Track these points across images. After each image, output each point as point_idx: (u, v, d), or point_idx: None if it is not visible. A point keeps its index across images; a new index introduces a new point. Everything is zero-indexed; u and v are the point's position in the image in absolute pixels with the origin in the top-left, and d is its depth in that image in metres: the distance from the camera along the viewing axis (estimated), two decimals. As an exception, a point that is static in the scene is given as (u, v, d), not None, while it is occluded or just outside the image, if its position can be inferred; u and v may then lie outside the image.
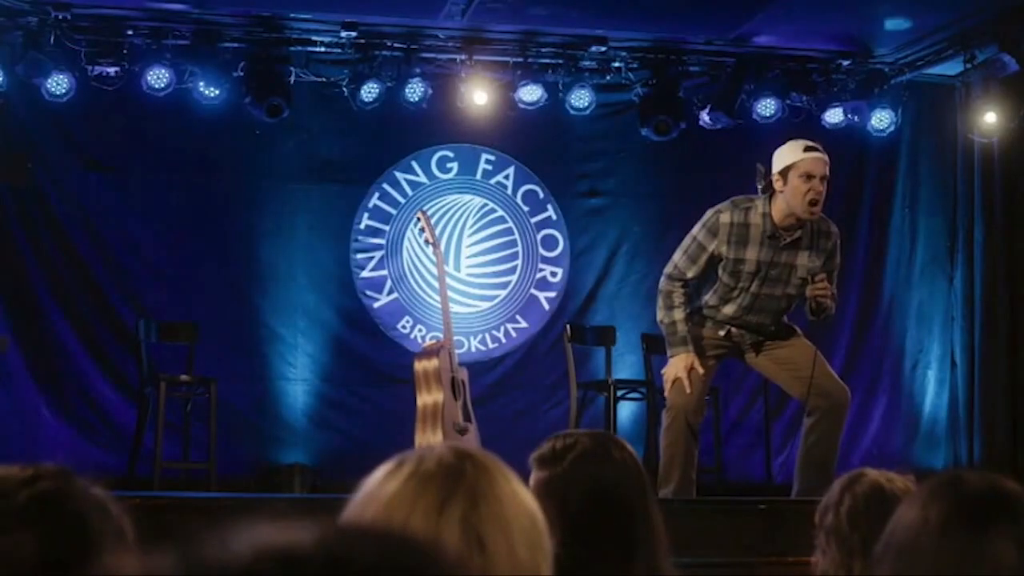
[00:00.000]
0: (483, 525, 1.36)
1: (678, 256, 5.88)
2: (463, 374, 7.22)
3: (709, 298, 5.96)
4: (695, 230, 5.87)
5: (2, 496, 1.36)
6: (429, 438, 6.69)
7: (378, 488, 1.40)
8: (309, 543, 0.75)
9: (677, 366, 5.85)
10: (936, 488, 1.69)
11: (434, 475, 1.39)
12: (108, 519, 1.40)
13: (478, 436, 7.14)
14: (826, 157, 5.76)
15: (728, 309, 5.92)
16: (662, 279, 5.96)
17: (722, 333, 5.98)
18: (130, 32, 8.36)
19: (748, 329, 6.02)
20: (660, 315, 5.91)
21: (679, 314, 5.84)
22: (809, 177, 5.60)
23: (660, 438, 6.08)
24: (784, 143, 5.84)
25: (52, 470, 1.41)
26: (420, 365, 6.91)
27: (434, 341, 7.44)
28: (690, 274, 5.84)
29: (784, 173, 5.67)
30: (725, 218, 5.77)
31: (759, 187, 5.99)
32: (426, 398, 6.82)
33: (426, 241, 7.68)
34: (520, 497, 1.42)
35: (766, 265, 5.82)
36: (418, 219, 7.79)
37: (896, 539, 1.66)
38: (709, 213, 5.85)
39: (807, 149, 5.70)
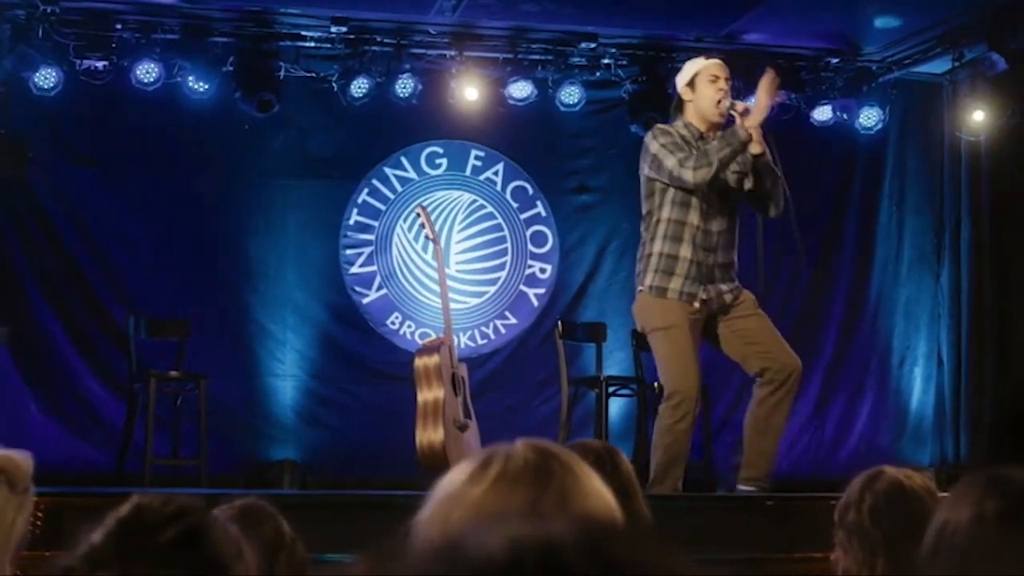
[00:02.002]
0: None
1: (671, 159, 5.72)
2: (463, 370, 7.21)
3: (664, 247, 5.83)
4: (654, 146, 5.78)
5: (148, 531, 1.33)
6: (430, 435, 6.67)
7: (463, 490, 1.38)
8: (570, 537, 0.74)
9: (759, 107, 5.71)
10: (986, 485, 1.69)
11: (522, 475, 1.38)
12: (240, 556, 1.39)
13: (478, 432, 7.14)
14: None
15: (685, 251, 5.81)
16: (685, 171, 5.68)
17: (695, 303, 5.84)
18: (119, 26, 8.30)
19: (710, 278, 5.88)
20: (711, 159, 5.65)
21: (710, 145, 5.70)
22: (715, 78, 5.81)
23: (657, 435, 5.88)
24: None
25: (194, 504, 1.39)
26: (421, 361, 6.90)
27: (434, 337, 7.43)
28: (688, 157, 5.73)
29: (692, 83, 5.85)
30: (662, 125, 5.90)
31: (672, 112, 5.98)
32: (427, 394, 6.80)
33: (426, 237, 7.66)
34: (603, 495, 1.42)
35: None
36: (418, 215, 7.77)
37: (947, 540, 1.65)
38: (648, 136, 5.86)
39: (707, 58, 6.00)
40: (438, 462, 6.63)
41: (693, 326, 5.85)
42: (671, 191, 5.82)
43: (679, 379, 5.76)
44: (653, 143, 5.79)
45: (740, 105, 5.83)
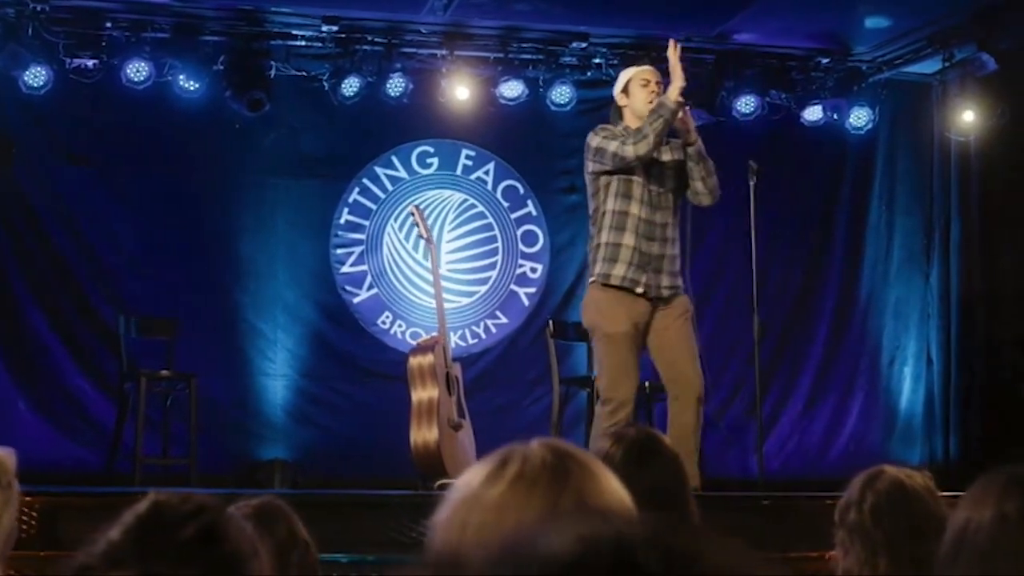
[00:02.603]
0: None
1: (611, 143, 5.99)
2: (456, 370, 7.21)
3: (608, 237, 6.05)
4: (597, 139, 6.05)
5: (167, 529, 1.33)
6: (424, 434, 6.66)
7: (482, 490, 1.38)
8: (641, 533, 0.73)
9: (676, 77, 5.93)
10: (1006, 485, 1.69)
11: (540, 476, 1.38)
12: (256, 554, 1.39)
13: (472, 432, 7.13)
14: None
15: (628, 239, 6.03)
16: (626, 147, 5.94)
17: (637, 288, 5.99)
18: (109, 25, 8.28)
19: (653, 267, 6.04)
20: (645, 133, 5.92)
21: (644, 123, 5.96)
22: (646, 82, 6.15)
23: (592, 439, 6.03)
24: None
25: (211, 502, 1.38)
26: (415, 361, 6.89)
27: (429, 336, 7.41)
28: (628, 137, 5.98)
29: (626, 89, 6.19)
30: (602, 125, 6.19)
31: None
32: (421, 394, 6.79)
33: (420, 236, 7.65)
34: (620, 495, 1.42)
35: (656, 163, 6.09)
36: (412, 214, 7.77)
37: (969, 540, 1.66)
38: (590, 133, 6.16)
39: (638, 65, 6.35)
40: (433, 461, 6.63)
41: (636, 331, 6.01)
42: (614, 184, 6.08)
43: (614, 387, 5.94)
44: (594, 138, 6.13)
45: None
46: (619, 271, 6.02)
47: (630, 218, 6.05)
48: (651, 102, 6.05)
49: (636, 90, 6.16)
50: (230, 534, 1.37)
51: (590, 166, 6.18)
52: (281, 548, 2.50)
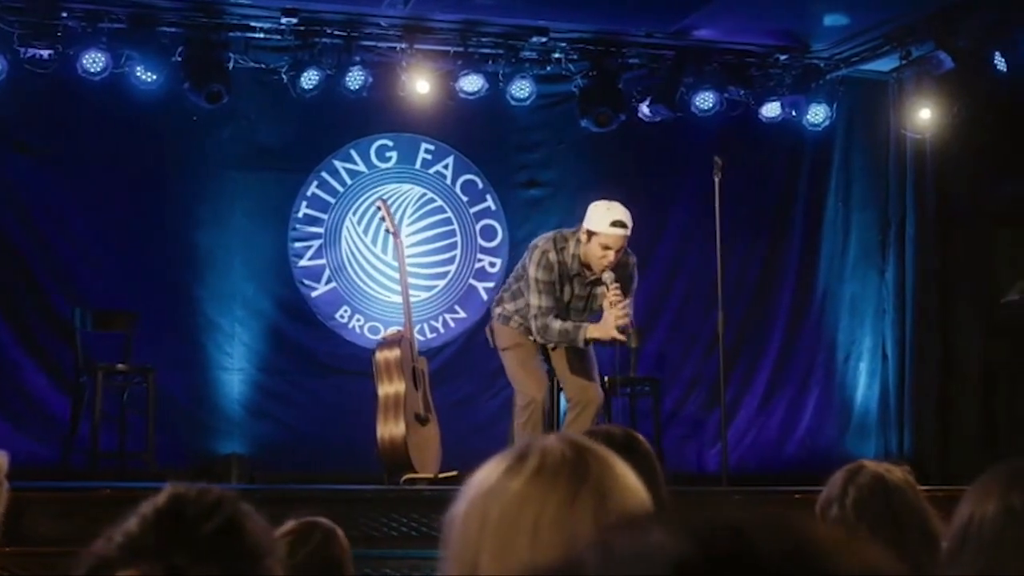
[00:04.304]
0: (612, 515, 1.35)
1: (536, 299, 6.42)
2: (423, 364, 7.19)
3: (517, 310, 6.59)
4: (532, 271, 6.44)
5: (189, 522, 1.30)
6: (391, 429, 6.64)
7: (502, 483, 1.38)
8: (755, 523, 0.72)
9: (604, 332, 6.25)
10: (1010, 479, 1.70)
11: (560, 469, 1.38)
12: (274, 547, 1.37)
13: (438, 426, 7.11)
14: (628, 231, 6.31)
15: (537, 322, 6.46)
16: (536, 321, 6.42)
17: (530, 337, 6.60)
18: (65, 14, 8.18)
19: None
20: (556, 340, 6.45)
21: (559, 324, 6.39)
22: (606, 248, 6.25)
23: (514, 433, 6.47)
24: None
25: (230, 495, 1.36)
26: (381, 355, 6.86)
27: (395, 331, 7.38)
28: (553, 305, 6.42)
29: (589, 234, 6.31)
30: (552, 257, 6.42)
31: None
32: (388, 388, 6.76)
33: (386, 231, 7.62)
34: (637, 489, 1.42)
35: (575, 297, 6.50)
36: (378, 208, 7.73)
37: (974, 534, 1.66)
38: (537, 253, 6.49)
39: (613, 224, 6.28)
40: (399, 456, 6.61)
41: (533, 344, 6.62)
42: None
43: (525, 387, 6.56)
44: (531, 268, 6.44)
45: (609, 290, 6.25)
46: (517, 322, 6.60)
47: (543, 309, 6.41)
48: (602, 269, 6.25)
49: (595, 247, 6.27)
50: (250, 527, 1.36)
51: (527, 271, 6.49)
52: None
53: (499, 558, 1.33)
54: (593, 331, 6.29)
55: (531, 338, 6.54)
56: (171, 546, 1.29)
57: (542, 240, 6.51)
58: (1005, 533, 1.64)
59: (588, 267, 6.38)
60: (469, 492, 1.40)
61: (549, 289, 6.38)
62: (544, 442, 1.43)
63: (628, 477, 1.42)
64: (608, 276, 6.25)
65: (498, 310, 6.69)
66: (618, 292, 6.22)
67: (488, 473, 1.40)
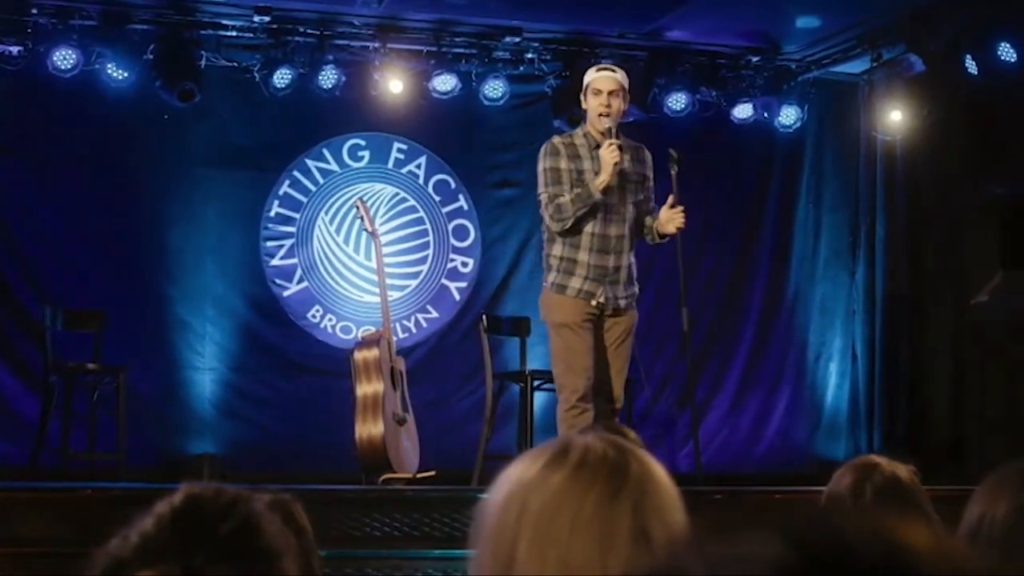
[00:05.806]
0: (649, 516, 1.36)
1: (543, 188, 6.11)
2: (400, 364, 7.18)
3: (563, 251, 6.12)
4: (541, 165, 6.15)
5: (206, 523, 1.29)
6: (370, 428, 6.62)
7: (543, 475, 1.38)
8: (860, 533, 0.72)
9: (606, 164, 5.94)
10: (1020, 479, 1.70)
11: (602, 465, 1.38)
12: (290, 548, 1.35)
13: (415, 426, 7.10)
14: (617, 75, 6.14)
15: (583, 256, 6.10)
16: (548, 208, 6.07)
17: (593, 301, 6.09)
18: (35, 11, 8.12)
19: (609, 279, 6.12)
20: (572, 211, 6.00)
21: (567, 196, 6.01)
22: (598, 92, 6.08)
23: (559, 425, 6.07)
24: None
25: (245, 495, 1.34)
26: (360, 355, 6.84)
27: (373, 331, 7.36)
28: (564, 192, 6.05)
29: (584, 93, 6.17)
30: (556, 140, 6.20)
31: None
32: (366, 388, 6.75)
33: (363, 229, 7.60)
34: (673, 489, 1.42)
35: (611, 192, 6.09)
36: (357, 207, 7.71)
37: (985, 533, 1.67)
38: (544, 146, 6.20)
39: (599, 69, 6.22)
40: (377, 456, 6.59)
41: (588, 324, 6.10)
42: None
43: (566, 375, 6.02)
44: (540, 162, 6.17)
45: (611, 146, 5.98)
46: (575, 284, 6.09)
47: (583, 236, 6.09)
48: (602, 114, 6.03)
49: (590, 98, 6.11)
50: (266, 527, 1.35)
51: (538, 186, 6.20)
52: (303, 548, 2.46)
53: (537, 547, 1.34)
54: (602, 178, 5.95)
55: (589, 311, 6.06)
56: (189, 547, 1.27)
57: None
58: (1016, 532, 1.65)
59: (603, 138, 6.07)
60: (507, 483, 1.41)
61: (556, 177, 6.07)
62: (586, 439, 1.43)
63: (667, 483, 1.43)
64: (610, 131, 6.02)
65: (549, 278, 6.17)
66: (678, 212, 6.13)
67: (528, 465, 1.41)
